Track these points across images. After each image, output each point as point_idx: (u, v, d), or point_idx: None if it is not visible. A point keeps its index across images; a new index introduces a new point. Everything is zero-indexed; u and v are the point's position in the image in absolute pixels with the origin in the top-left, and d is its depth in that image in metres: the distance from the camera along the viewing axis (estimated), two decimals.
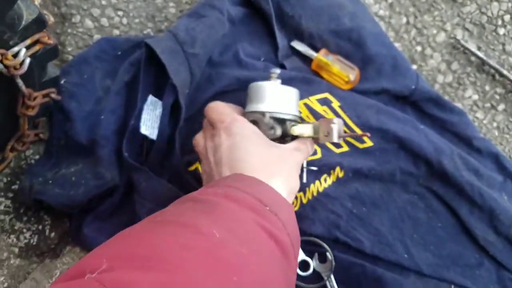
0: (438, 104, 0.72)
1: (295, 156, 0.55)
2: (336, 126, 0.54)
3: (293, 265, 0.46)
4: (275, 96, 0.58)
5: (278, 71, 0.60)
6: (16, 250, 0.73)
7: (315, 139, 0.58)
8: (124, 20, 0.78)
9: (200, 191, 0.48)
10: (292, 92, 0.59)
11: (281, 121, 0.57)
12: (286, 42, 0.74)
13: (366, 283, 0.64)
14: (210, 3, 0.73)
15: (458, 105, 0.77)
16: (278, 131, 0.57)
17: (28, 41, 0.59)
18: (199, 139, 0.59)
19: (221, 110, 0.56)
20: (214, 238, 0.38)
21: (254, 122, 0.57)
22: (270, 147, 0.54)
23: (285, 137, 0.58)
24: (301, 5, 0.73)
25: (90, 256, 0.37)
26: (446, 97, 0.77)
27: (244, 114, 0.58)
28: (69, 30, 0.77)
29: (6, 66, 0.58)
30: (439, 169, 0.67)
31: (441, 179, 0.68)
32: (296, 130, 0.57)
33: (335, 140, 0.54)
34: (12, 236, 0.73)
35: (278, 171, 0.52)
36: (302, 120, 0.60)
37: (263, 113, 0.57)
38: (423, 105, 0.73)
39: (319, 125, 0.56)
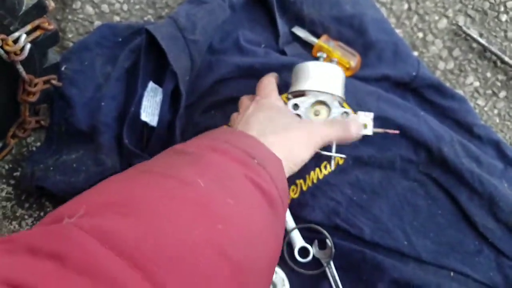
0: (439, 91, 0.72)
1: (314, 127, 0.54)
2: (372, 120, 0.60)
3: (281, 219, 0.45)
4: (336, 78, 0.58)
5: (324, 55, 0.61)
6: None
7: None
8: (125, 7, 0.78)
9: (185, 143, 0.47)
10: (343, 75, 0.60)
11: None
12: (287, 29, 0.74)
13: (366, 270, 0.64)
14: None
15: (459, 92, 0.77)
16: (352, 113, 0.59)
17: (28, 27, 0.59)
18: (244, 99, 0.60)
19: (264, 86, 0.59)
20: (199, 187, 0.38)
21: (320, 103, 0.58)
22: (285, 116, 0.54)
23: None
24: None
25: (69, 202, 0.36)
26: (447, 84, 0.77)
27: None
28: (69, 17, 0.77)
29: (6, 52, 0.58)
30: (439, 156, 0.67)
31: (441, 166, 0.68)
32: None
33: (371, 132, 0.59)
34: (14, 222, 0.74)
35: (278, 134, 0.51)
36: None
37: (334, 96, 0.58)
38: (424, 91, 0.72)
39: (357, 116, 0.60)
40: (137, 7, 0.78)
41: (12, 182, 0.75)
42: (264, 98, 0.56)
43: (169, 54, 0.64)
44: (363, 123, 0.59)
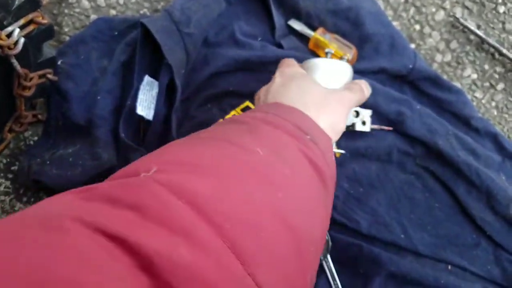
0: (436, 84, 0.71)
1: (342, 94, 0.54)
2: (370, 117, 0.63)
3: (331, 197, 0.45)
4: (344, 75, 0.59)
5: (332, 51, 0.62)
6: None
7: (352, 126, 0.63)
8: (121, 0, 0.78)
9: (238, 115, 0.47)
10: (352, 71, 0.61)
11: None
12: (283, 21, 0.74)
13: (363, 263, 0.64)
14: None
15: (457, 84, 0.76)
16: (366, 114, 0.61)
17: (21, 21, 0.59)
18: (260, 89, 0.59)
19: (287, 59, 0.59)
20: (258, 155, 0.38)
21: None
22: (317, 85, 0.54)
23: None
24: None
25: (139, 160, 0.37)
26: (445, 76, 0.77)
27: None
28: (66, 11, 0.77)
29: (0, 46, 0.58)
30: (435, 150, 0.67)
31: (438, 159, 0.68)
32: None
33: (369, 129, 0.63)
34: None
35: (319, 105, 0.51)
36: None
37: None
38: (421, 84, 0.72)
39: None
40: (133, 0, 0.78)
41: (10, 176, 0.76)
42: (287, 67, 0.57)
43: (163, 47, 0.64)
44: (361, 120, 0.62)
